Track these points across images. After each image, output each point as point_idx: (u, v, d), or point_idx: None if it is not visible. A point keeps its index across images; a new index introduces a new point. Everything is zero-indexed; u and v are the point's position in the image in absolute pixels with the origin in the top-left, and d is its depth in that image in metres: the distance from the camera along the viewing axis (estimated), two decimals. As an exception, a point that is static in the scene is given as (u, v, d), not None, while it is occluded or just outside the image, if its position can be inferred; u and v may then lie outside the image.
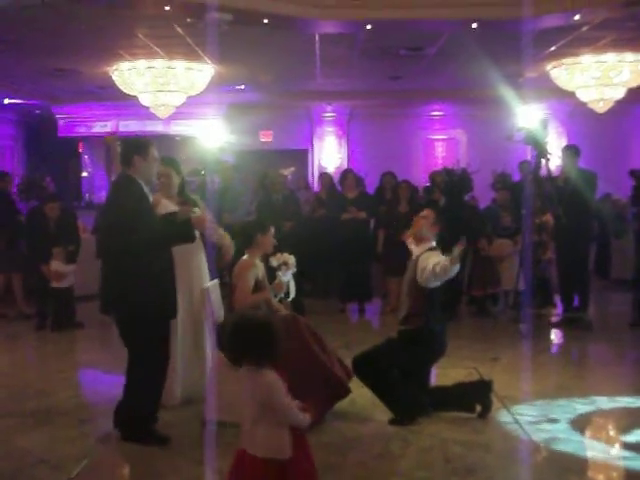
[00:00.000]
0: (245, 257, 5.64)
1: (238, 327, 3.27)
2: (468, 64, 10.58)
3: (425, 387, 5.49)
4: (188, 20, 8.33)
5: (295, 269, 5.72)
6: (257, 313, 3.67)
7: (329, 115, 14.95)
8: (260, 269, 5.65)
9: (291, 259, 5.69)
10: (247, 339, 3.23)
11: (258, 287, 5.55)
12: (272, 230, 5.76)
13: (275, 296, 5.68)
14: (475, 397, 5.47)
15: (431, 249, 5.41)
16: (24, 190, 12.73)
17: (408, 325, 5.39)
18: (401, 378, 5.29)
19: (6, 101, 13.91)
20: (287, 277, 5.66)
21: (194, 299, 5.72)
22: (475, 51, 9.48)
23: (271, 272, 5.77)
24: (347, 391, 5.34)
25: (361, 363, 5.39)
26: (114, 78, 10.97)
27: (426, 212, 5.62)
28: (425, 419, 5.31)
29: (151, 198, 5.03)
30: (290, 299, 5.86)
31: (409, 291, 5.42)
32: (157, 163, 5.06)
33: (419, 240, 5.50)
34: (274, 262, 5.63)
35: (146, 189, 4.91)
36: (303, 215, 10.30)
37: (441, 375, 6.15)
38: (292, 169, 13.85)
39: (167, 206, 5.56)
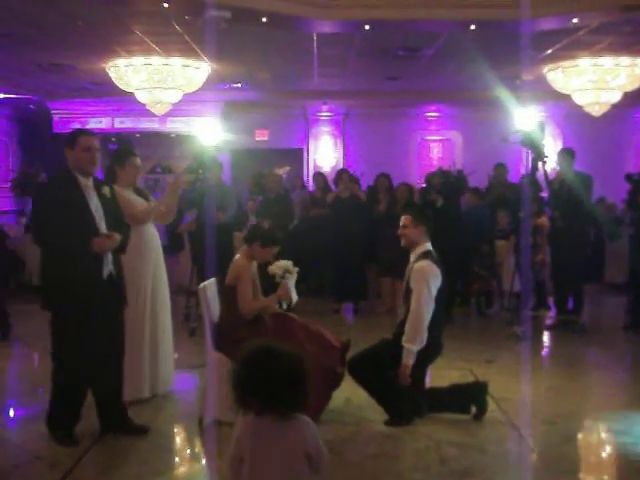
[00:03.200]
0: (239, 258, 5.48)
1: (267, 369, 2.66)
2: (465, 65, 10.60)
3: (420, 388, 5.49)
4: (186, 17, 8.31)
5: (297, 275, 5.59)
6: (282, 348, 2.79)
7: (325, 114, 14.96)
8: (254, 271, 5.59)
9: (291, 265, 5.56)
10: (281, 383, 2.67)
11: (254, 289, 5.48)
12: (273, 248, 5.58)
13: (280, 305, 5.61)
14: (470, 398, 5.47)
15: (425, 254, 5.35)
16: (19, 185, 12.72)
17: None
18: (396, 379, 5.29)
19: (0, 96, 13.86)
20: (292, 284, 5.55)
21: (154, 296, 5.80)
22: (473, 53, 9.50)
23: (267, 277, 5.72)
24: (339, 378, 5.32)
25: (356, 364, 5.38)
26: (110, 74, 10.94)
27: (403, 220, 5.49)
28: (420, 420, 5.31)
29: (87, 188, 4.82)
30: (293, 305, 5.77)
31: (406, 296, 5.39)
32: (88, 153, 4.78)
33: (412, 246, 5.48)
34: (277, 271, 5.47)
35: (84, 180, 4.80)
36: (295, 215, 10.34)
37: (436, 376, 6.14)
38: (287, 168, 13.83)
39: (128, 196, 5.67)
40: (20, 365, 7.59)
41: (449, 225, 8.49)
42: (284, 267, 5.49)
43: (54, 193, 4.77)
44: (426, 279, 5.21)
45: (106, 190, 4.94)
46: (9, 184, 13.52)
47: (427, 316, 5.18)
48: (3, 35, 9.10)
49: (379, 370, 5.30)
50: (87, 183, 4.82)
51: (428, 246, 5.43)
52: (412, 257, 5.43)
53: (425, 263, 5.28)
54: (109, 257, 4.83)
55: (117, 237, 4.76)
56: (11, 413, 5.84)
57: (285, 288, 5.47)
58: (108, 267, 4.84)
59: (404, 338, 5.17)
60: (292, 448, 2.72)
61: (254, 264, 5.59)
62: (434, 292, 5.23)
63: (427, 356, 5.45)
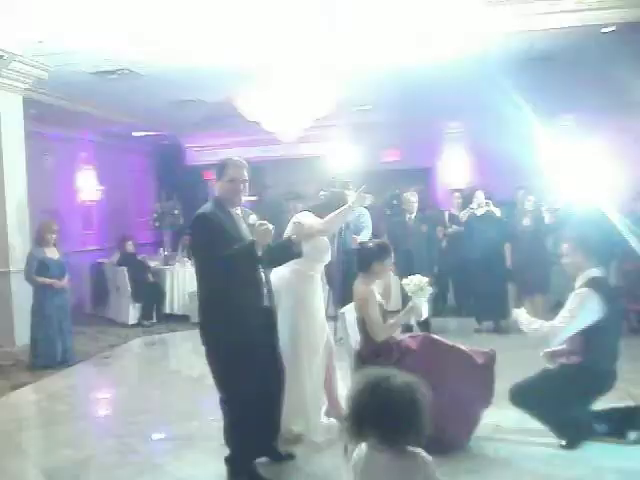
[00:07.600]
0: (361, 285, 5.33)
1: (384, 402, 2.52)
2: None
3: (588, 412, 5.20)
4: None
5: (431, 291, 5.47)
6: (398, 378, 2.61)
7: (454, 131, 14.70)
8: (378, 292, 5.45)
9: (425, 282, 5.40)
10: (397, 417, 2.51)
11: (381, 310, 5.32)
12: (391, 258, 5.48)
13: (412, 321, 5.48)
14: (628, 423, 5.15)
15: (588, 282, 5.08)
16: (158, 219, 13.20)
17: (568, 360, 5.16)
18: (563, 404, 5.04)
19: (141, 134, 14.44)
20: (424, 301, 5.40)
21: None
22: None
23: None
24: (488, 397, 5.14)
25: (519, 395, 5.19)
26: (237, 106, 11.13)
27: (562, 248, 5.34)
28: (577, 445, 5.02)
29: (238, 217, 4.71)
30: (421, 320, 5.63)
31: None
32: (234, 184, 4.63)
33: (573, 273, 5.23)
34: (412, 288, 5.33)
35: (232, 210, 4.66)
36: (435, 235, 10.17)
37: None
38: (417, 187, 13.70)
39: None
40: (167, 392, 7.70)
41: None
42: (418, 284, 5.34)
43: (215, 224, 4.50)
44: (580, 302, 4.99)
45: (253, 218, 4.74)
46: (148, 218, 14.03)
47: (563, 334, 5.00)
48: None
49: (544, 401, 5.06)
50: (237, 212, 4.70)
51: (593, 272, 5.15)
52: (577, 284, 5.19)
53: (583, 289, 5.05)
54: (266, 286, 4.70)
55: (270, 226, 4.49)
56: (159, 440, 5.93)
57: (416, 305, 5.30)
58: (267, 296, 4.70)
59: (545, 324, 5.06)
60: None
61: (375, 289, 5.40)
62: (579, 316, 5.00)
63: (594, 391, 5.18)
